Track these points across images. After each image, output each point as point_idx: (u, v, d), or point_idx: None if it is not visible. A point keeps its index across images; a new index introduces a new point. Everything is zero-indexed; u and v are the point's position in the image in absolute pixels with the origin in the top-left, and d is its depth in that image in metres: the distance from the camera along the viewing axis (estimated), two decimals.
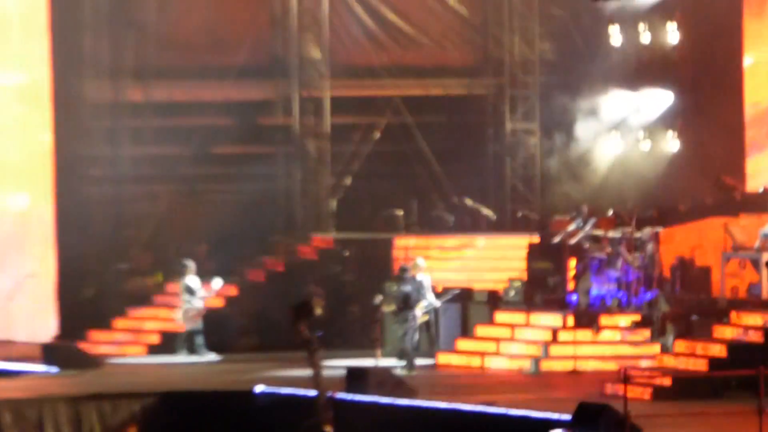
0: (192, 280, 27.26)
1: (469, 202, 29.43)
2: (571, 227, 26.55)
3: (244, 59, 28.78)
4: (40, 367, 26.60)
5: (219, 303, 28.77)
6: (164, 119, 29.85)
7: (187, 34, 28.93)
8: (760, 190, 26.26)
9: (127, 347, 28.54)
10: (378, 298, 26.32)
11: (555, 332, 24.44)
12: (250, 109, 30.24)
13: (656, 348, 23.96)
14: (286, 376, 23.97)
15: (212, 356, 27.22)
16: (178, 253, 28.93)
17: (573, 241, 26.22)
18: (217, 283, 28.37)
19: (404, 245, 28.53)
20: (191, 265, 27.79)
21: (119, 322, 28.92)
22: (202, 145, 29.56)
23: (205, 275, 27.82)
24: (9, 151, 29.94)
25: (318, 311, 20.04)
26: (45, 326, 29.61)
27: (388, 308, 26.11)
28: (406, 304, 25.40)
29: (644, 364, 23.80)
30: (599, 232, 25.83)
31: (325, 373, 19.92)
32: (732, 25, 26.66)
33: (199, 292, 27.43)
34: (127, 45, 29.09)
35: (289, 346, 21.63)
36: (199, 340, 27.17)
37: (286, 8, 28.77)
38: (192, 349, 27.05)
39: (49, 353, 26.71)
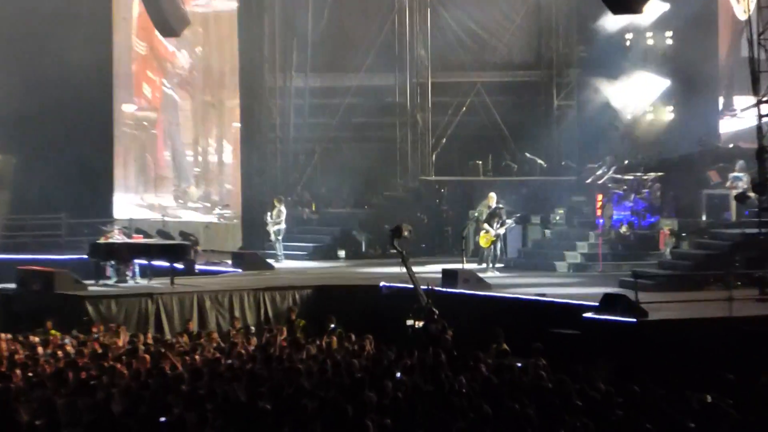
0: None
1: (528, 155, 32.51)
2: (599, 172, 29.13)
3: (373, 58, 33.04)
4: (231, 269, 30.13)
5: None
6: (318, 99, 34.20)
7: (334, 40, 33.52)
8: (730, 146, 29.07)
9: None
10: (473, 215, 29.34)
11: None
12: (377, 91, 33.83)
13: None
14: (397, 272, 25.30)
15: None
16: (326, 190, 34.02)
17: (600, 181, 28.79)
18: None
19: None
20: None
21: None
22: (344, 116, 33.79)
23: (345, 205, 33.32)
24: None
25: (406, 234, 23.33)
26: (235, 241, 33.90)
27: (472, 228, 29.16)
28: (489, 224, 28.04)
29: None
30: (618, 175, 28.37)
31: (415, 271, 22.68)
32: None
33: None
34: (293, 47, 33.73)
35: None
36: None
37: (403, 23, 32.93)
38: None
39: (237, 259, 30.39)
